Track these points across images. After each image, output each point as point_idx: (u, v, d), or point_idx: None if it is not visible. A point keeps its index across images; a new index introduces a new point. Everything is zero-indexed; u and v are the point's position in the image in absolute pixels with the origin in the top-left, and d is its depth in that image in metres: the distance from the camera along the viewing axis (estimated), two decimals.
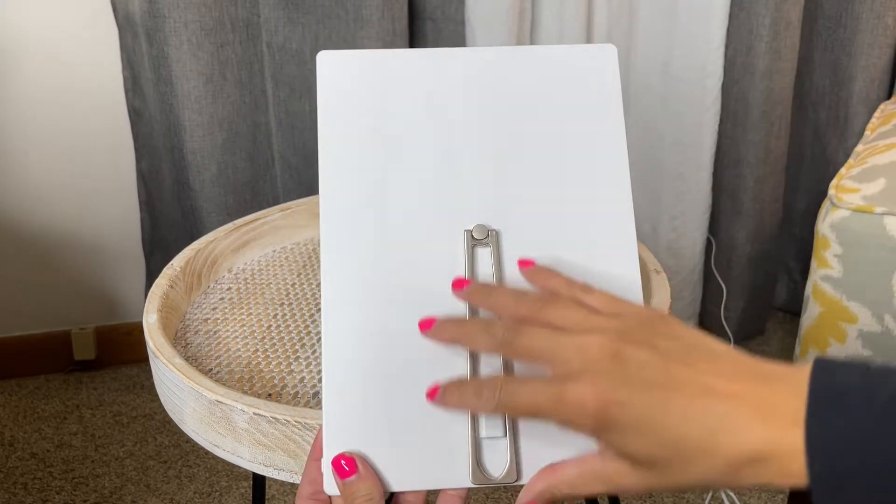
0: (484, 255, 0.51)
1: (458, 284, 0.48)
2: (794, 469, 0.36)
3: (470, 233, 0.51)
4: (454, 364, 0.48)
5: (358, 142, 0.53)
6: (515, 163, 0.53)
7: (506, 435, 0.47)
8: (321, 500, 0.47)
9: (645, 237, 1.55)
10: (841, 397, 0.36)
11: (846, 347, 1.02)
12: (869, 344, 1.01)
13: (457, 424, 0.47)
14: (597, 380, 0.39)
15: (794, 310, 1.74)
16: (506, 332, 0.43)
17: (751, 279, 1.59)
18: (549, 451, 0.46)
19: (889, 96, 1.53)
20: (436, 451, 0.47)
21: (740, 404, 0.37)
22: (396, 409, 0.48)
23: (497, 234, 0.52)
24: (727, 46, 1.45)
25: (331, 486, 0.46)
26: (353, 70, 0.55)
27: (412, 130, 0.54)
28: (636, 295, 0.50)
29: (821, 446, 0.36)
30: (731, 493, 1.27)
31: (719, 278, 1.59)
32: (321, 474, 0.47)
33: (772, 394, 0.37)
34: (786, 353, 1.63)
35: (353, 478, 0.46)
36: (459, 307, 0.49)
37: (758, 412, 0.37)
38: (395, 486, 0.46)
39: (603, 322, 0.41)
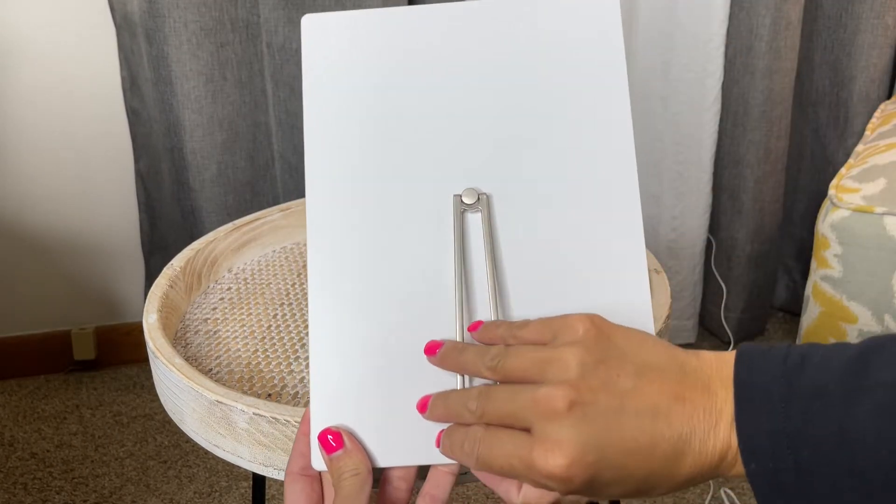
0: (475, 221, 0.49)
1: (430, 350, 0.47)
2: (740, 467, 0.40)
3: (459, 197, 0.49)
4: (444, 339, 0.48)
5: (344, 107, 0.51)
6: (511, 122, 0.51)
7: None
8: (310, 475, 0.47)
9: (645, 237, 1.55)
10: (763, 397, 0.38)
11: None
12: None
13: None
14: (563, 443, 0.39)
15: (794, 310, 1.74)
16: (479, 397, 0.43)
17: (751, 279, 1.59)
18: None
19: (889, 96, 1.53)
20: (425, 427, 0.46)
21: (694, 420, 0.39)
22: (384, 384, 0.47)
23: (488, 198, 0.49)
24: (727, 46, 1.45)
25: (318, 461, 0.46)
26: (341, 33, 0.53)
27: (402, 92, 0.52)
28: (640, 261, 0.49)
29: (751, 447, 0.38)
30: (731, 493, 1.27)
31: (719, 278, 1.59)
32: (310, 449, 0.47)
33: (713, 401, 0.40)
34: None
35: (339, 452, 0.45)
36: (445, 281, 0.48)
37: (708, 422, 0.39)
38: (383, 462, 0.46)
39: (557, 371, 0.41)
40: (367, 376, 0.47)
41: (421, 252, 0.49)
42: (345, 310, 0.48)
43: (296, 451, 0.47)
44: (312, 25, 0.53)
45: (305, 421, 0.47)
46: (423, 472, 0.47)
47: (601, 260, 0.49)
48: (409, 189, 0.50)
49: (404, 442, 0.46)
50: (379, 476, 0.46)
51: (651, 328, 0.47)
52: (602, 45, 0.51)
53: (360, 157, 0.51)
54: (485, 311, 0.48)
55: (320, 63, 0.52)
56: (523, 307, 0.48)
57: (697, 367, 0.41)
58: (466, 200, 0.49)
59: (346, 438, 0.46)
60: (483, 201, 0.49)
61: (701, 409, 0.39)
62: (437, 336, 0.47)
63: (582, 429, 0.39)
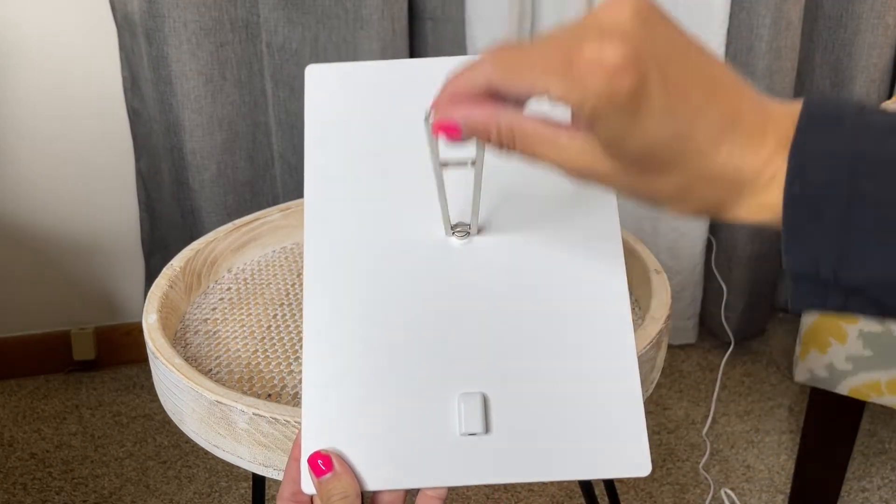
0: (470, 256, 0.51)
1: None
2: (773, 197, 0.35)
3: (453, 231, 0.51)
4: (433, 364, 0.48)
5: (342, 153, 0.54)
6: (504, 174, 0.53)
7: (486, 431, 0.47)
8: (301, 501, 0.47)
9: (645, 237, 1.55)
10: (832, 119, 0.34)
11: (847, 347, 1.02)
12: (869, 344, 1.01)
13: (436, 423, 0.47)
14: (624, 34, 0.33)
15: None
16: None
17: (751, 279, 1.59)
18: (528, 446, 0.47)
19: (889, 97, 1.53)
20: (414, 451, 0.47)
21: (745, 110, 0.35)
22: (375, 408, 0.48)
23: (484, 227, 0.52)
24: (727, 46, 1.44)
25: (308, 484, 0.46)
26: (341, 83, 0.57)
27: (397, 143, 0.54)
28: (620, 281, 0.50)
29: (801, 163, 0.34)
30: (731, 493, 1.27)
31: (720, 278, 1.59)
32: (300, 474, 0.47)
33: (767, 117, 0.36)
34: (786, 354, 1.63)
35: (328, 476, 0.45)
36: (441, 305, 0.50)
37: (755, 125, 0.35)
38: (372, 485, 0.46)
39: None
40: (358, 400, 0.48)
41: (413, 281, 0.51)
42: (338, 336, 0.49)
43: (287, 477, 0.48)
44: (315, 75, 0.58)
45: (297, 446, 0.47)
46: (411, 495, 0.48)
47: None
48: (402, 232, 0.52)
49: (394, 465, 0.46)
50: (368, 499, 0.47)
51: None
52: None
53: (356, 201, 0.53)
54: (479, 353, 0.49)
55: (320, 113, 0.56)
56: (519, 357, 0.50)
57: (769, 101, 0.36)
58: (458, 231, 0.52)
59: (335, 461, 0.46)
60: (472, 230, 0.52)
61: (754, 109, 0.35)
62: (430, 366, 0.49)
63: (644, 39, 0.34)
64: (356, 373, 0.48)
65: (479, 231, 0.52)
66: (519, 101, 0.39)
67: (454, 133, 0.39)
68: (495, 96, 0.39)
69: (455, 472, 0.46)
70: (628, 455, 0.47)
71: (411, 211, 0.53)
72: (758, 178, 0.35)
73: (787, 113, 0.35)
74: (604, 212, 0.52)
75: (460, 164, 0.47)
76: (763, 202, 0.36)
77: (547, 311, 0.50)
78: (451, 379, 0.48)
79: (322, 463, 0.46)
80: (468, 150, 0.45)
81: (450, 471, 0.46)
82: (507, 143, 0.39)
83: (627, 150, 0.36)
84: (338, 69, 0.58)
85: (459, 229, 0.52)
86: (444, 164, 0.47)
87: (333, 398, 0.48)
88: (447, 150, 0.44)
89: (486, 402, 0.48)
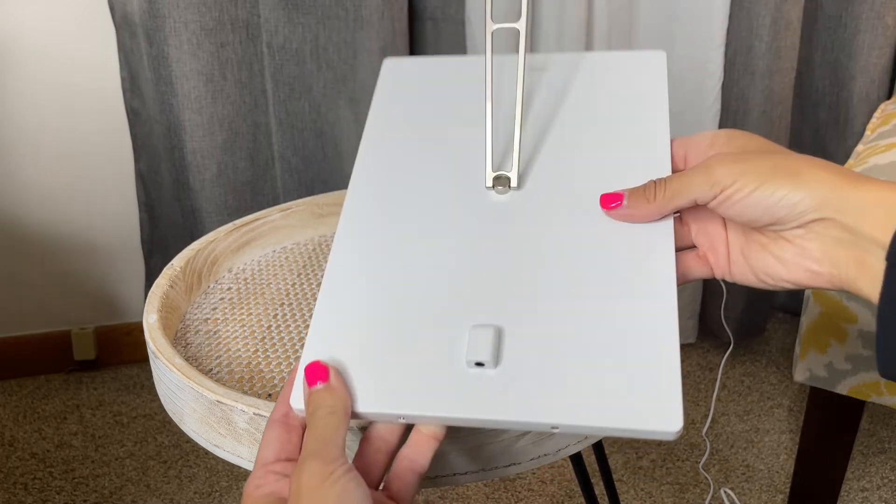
0: (506, 210, 0.52)
1: (606, 202, 0.50)
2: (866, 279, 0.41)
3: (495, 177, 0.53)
4: (451, 296, 0.48)
5: (397, 144, 0.57)
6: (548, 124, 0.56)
7: (495, 365, 0.44)
8: (291, 423, 0.45)
9: None
10: None
11: (847, 347, 1.02)
12: (869, 344, 1.01)
13: (443, 352, 0.45)
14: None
15: (794, 310, 1.74)
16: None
17: None
18: (540, 385, 0.43)
19: (889, 96, 1.53)
20: (414, 378, 0.44)
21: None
22: (383, 329, 0.46)
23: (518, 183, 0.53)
24: (727, 46, 1.44)
25: (298, 397, 0.44)
26: (411, 76, 0.61)
27: (455, 135, 0.56)
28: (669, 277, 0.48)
29: None
30: (731, 493, 1.27)
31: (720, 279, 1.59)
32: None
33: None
34: (786, 354, 1.63)
35: (320, 387, 0.43)
36: (470, 246, 0.50)
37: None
38: (362, 407, 0.44)
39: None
40: (368, 319, 0.47)
41: (447, 229, 0.51)
42: (360, 263, 0.50)
43: (281, 399, 0.45)
44: (390, 68, 0.62)
45: (296, 368, 0.45)
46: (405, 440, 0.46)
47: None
48: (441, 188, 0.54)
49: (390, 390, 0.44)
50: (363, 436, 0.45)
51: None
52: (647, 101, 0.56)
53: (400, 188, 0.55)
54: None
55: (387, 103, 0.59)
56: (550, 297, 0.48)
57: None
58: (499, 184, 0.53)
59: (331, 374, 0.43)
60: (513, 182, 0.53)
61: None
62: (448, 293, 0.48)
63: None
64: (371, 295, 0.48)
65: (520, 185, 0.53)
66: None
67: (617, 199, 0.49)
68: None
69: (454, 406, 0.43)
70: (656, 408, 0.41)
71: (455, 167, 0.55)
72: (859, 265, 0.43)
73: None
74: (654, 169, 0.52)
75: (508, 26, 0.53)
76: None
77: (580, 257, 0.48)
78: (466, 311, 0.46)
79: (317, 373, 0.43)
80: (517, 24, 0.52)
81: (448, 403, 0.43)
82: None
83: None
84: (411, 63, 0.62)
85: (500, 182, 0.53)
86: (494, 27, 0.53)
87: (344, 313, 0.47)
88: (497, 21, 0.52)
89: (499, 335, 0.45)
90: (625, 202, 0.48)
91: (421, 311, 0.47)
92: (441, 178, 0.55)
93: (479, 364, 0.44)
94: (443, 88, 0.60)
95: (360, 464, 0.44)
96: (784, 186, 0.43)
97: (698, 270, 0.52)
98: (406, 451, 0.44)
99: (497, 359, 0.44)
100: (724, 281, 0.52)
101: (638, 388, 0.42)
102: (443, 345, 0.45)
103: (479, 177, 0.54)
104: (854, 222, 0.42)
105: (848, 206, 0.42)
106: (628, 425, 0.41)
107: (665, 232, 0.49)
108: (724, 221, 0.50)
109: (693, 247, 0.52)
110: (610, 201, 0.49)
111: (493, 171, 0.53)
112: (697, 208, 0.48)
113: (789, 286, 0.47)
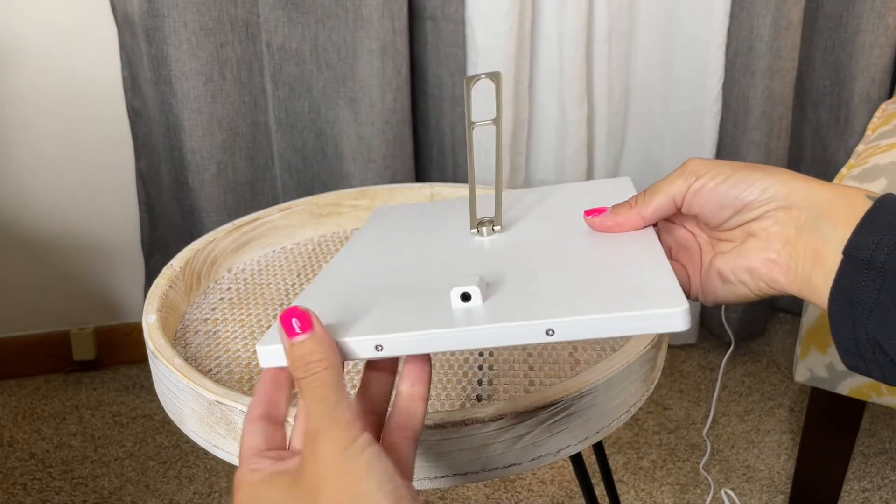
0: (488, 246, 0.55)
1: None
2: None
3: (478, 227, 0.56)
4: (440, 274, 0.49)
5: (380, 239, 0.61)
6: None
7: (482, 299, 0.42)
8: (274, 419, 0.41)
9: None
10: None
11: None
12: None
13: (429, 299, 0.44)
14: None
15: (795, 310, 1.73)
16: None
17: None
18: (526, 298, 0.42)
19: (890, 96, 1.53)
20: (396, 314, 0.43)
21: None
22: (368, 295, 0.47)
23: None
24: (727, 46, 1.44)
25: (273, 355, 0.39)
26: (401, 214, 0.66)
27: (426, 238, 0.60)
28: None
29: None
30: (732, 493, 1.27)
31: None
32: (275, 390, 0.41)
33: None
34: (787, 354, 1.63)
35: (304, 337, 0.37)
36: (458, 267, 0.52)
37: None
38: (341, 334, 0.40)
39: None
40: (355, 293, 0.48)
41: (436, 260, 0.53)
42: (357, 266, 0.54)
43: (258, 395, 0.41)
44: (380, 213, 0.68)
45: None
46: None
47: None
48: (429, 239, 0.58)
49: (370, 321, 0.42)
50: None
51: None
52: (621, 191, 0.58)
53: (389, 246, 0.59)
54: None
55: (367, 233, 0.64)
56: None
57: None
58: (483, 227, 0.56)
59: (314, 322, 0.38)
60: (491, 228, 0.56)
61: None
62: (437, 274, 0.50)
63: None
64: (358, 280, 0.51)
65: (503, 230, 0.56)
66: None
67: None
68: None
69: (438, 322, 0.41)
70: (659, 295, 0.39)
71: (440, 233, 0.58)
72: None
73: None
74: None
75: (485, 123, 0.57)
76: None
77: (568, 262, 0.48)
78: (453, 279, 0.44)
79: (298, 323, 0.38)
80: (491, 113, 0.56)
81: (431, 322, 0.41)
82: None
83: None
84: (401, 209, 0.69)
85: (485, 225, 0.55)
86: (473, 124, 0.56)
87: (330, 293, 0.49)
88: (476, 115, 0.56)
89: (485, 283, 0.44)
90: (608, 210, 0.52)
91: (408, 282, 0.48)
92: (428, 238, 0.58)
93: (466, 298, 0.42)
94: (417, 223, 0.63)
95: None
96: (755, 174, 0.46)
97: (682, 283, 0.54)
98: (396, 419, 0.42)
99: (484, 296, 0.42)
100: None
101: (636, 285, 0.41)
102: (427, 298, 0.44)
103: (464, 233, 0.57)
104: (818, 213, 0.43)
105: (815, 196, 0.44)
106: (633, 310, 0.38)
107: (649, 234, 0.50)
108: (696, 237, 0.52)
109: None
110: (594, 211, 0.52)
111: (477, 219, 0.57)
112: (672, 226, 0.53)
113: (751, 294, 0.48)
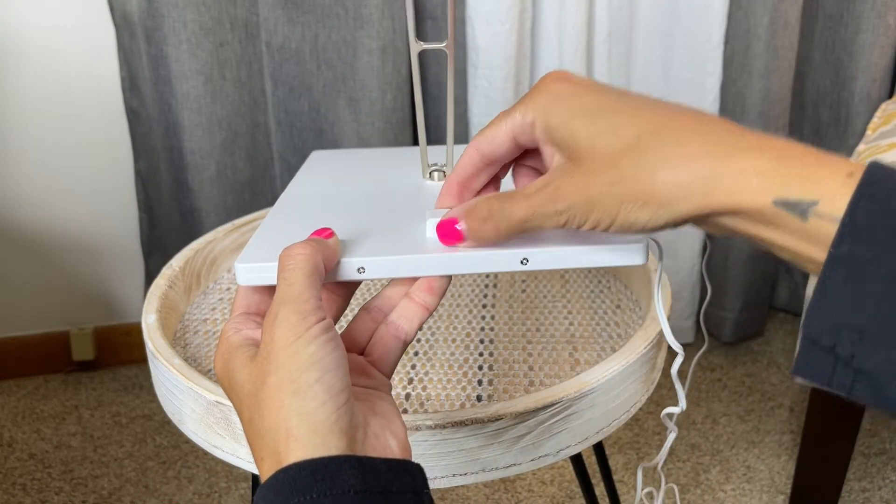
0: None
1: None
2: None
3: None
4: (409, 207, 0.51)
5: (327, 180, 0.60)
6: None
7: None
8: (258, 310, 0.42)
9: (644, 237, 1.55)
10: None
11: None
12: None
13: (404, 228, 0.46)
14: None
15: (795, 310, 1.73)
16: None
17: (748, 280, 1.59)
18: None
19: (890, 96, 1.53)
20: (378, 240, 0.44)
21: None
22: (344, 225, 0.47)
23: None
24: (725, 46, 1.44)
25: (247, 272, 0.41)
26: (338, 161, 0.65)
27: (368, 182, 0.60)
28: None
29: (862, 220, 0.31)
30: (732, 493, 1.27)
31: (707, 280, 1.59)
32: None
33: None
34: (787, 354, 1.63)
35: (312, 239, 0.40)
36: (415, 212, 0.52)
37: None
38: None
39: None
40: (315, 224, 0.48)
41: (390, 205, 0.53)
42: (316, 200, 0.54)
43: (238, 298, 0.43)
44: (318, 156, 0.67)
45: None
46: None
47: None
48: (379, 182, 0.58)
49: (353, 245, 0.44)
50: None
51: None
52: None
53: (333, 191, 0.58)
54: None
55: (310, 170, 0.63)
56: None
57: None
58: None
59: (329, 233, 0.42)
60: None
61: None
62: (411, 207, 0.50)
63: None
64: (323, 211, 0.51)
65: None
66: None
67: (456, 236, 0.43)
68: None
69: (420, 247, 0.43)
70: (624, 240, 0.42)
71: (390, 177, 0.59)
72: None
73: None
74: None
75: (435, 47, 0.53)
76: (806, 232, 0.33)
77: None
78: (420, 213, 0.48)
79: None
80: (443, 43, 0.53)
81: (413, 247, 0.43)
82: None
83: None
84: (339, 154, 0.68)
85: (436, 169, 0.57)
86: (420, 45, 0.53)
87: (283, 225, 0.49)
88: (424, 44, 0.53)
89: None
90: (465, 233, 0.42)
91: (378, 219, 0.48)
92: (378, 179, 0.58)
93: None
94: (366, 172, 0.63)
95: (351, 329, 0.43)
96: (639, 213, 0.36)
97: None
98: (393, 316, 0.43)
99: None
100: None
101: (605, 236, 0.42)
102: (401, 229, 0.46)
103: (415, 179, 0.58)
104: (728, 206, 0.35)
105: (722, 190, 0.34)
106: (599, 244, 0.42)
107: None
108: None
109: None
110: (447, 231, 0.42)
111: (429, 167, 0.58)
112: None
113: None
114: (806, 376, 0.34)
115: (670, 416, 0.44)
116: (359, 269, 0.42)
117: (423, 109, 0.57)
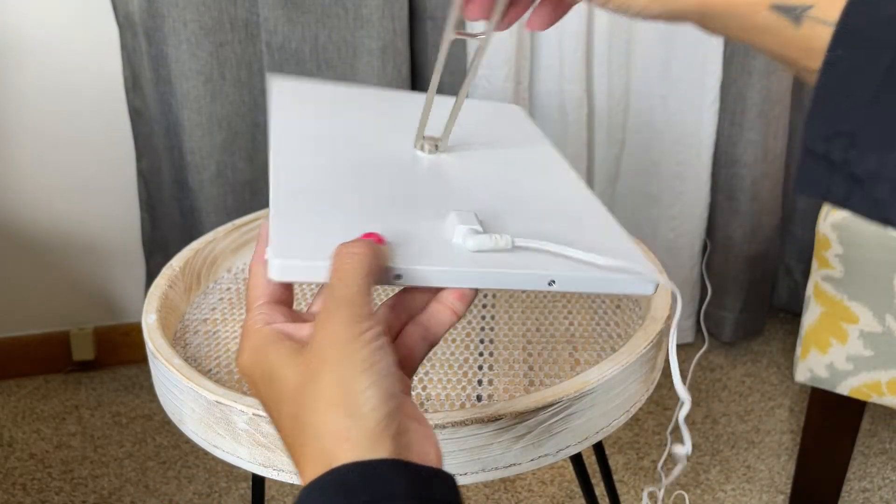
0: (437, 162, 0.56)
1: None
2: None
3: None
4: (417, 196, 0.50)
5: (314, 133, 0.58)
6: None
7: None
8: (281, 299, 0.41)
9: (644, 238, 1.55)
10: None
11: (847, 348, 1.02)
12: (870, 344, 1.01)
13: (431, 228, 0.45)
14: None
15: (795, 310, 1.73)
16: None
17: (748, 279, 1.59)
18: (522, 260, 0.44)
19: None
20: (411, 242, 0.43)
21: None
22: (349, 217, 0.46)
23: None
24: (725, 46, 1.44)
25: (285, 269, 0.40)
26: (303, 93, 0.64)
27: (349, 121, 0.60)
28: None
29: (856, 22, 0.32)
30: (732, 493, 1.27)
31: (707, 281, 1.59)
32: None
33: None
34: (787, 354, 1.63)
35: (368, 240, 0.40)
36: (409, 179, 0.53)
37: None
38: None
39: None
40: (329, 209, 0.47)
41: (382, 177, 0.53)
42: (304, 176, 0.51)
43: (260, 240, 0.42)
44: (279, 85, 0.64)
45: (262, 240, 0.43)
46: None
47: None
48: (368, 148, 0.56)
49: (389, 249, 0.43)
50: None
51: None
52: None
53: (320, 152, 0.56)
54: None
55: (286, 108, 0.61)
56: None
57: None
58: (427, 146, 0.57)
59: (381, 238, 0.41)
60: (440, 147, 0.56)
61: None
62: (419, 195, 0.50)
63: None
64: (326, 195, 0.48)
65: (446, 151, 0.57)
66: None
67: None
68: None
69: (454, 260, 0.43)
70: (639, 267, 0.44)
71: (379, 140, 0.58)
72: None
73: None
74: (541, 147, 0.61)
75: (472, 36, 0.55)
76: (799, 42, 0.34)
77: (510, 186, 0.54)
78: (439, 202, 0.49)
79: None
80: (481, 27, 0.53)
81: (452, 259, 0.43)
82: None
83: None
84: (299, 84, 0.67)
85: (428, 141, 0.56)
86: (459, 34, 0.54)
87: (303, 206, 0.46)
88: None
89: (479, 219, 0.46)
90: None
91: (393, 207, 0.48)
92: (366, 144, 0.57)
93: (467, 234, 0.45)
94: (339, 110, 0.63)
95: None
96: None
97: None
98: (422, 317, 0.43)
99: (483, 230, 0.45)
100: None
101: (611, 249, 0.45)
102: (430, 223, 0.45)
103: (406, 145, 0.57)
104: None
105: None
106: (619, 274, 0.44)
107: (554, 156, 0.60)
108: None
109: None
110: None
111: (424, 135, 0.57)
112: None
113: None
114: (804, 190, 0.35)
115: (676, 455, 0.44)
116: (396, 276, 0.41)
117: (435, 91, 0.55)
